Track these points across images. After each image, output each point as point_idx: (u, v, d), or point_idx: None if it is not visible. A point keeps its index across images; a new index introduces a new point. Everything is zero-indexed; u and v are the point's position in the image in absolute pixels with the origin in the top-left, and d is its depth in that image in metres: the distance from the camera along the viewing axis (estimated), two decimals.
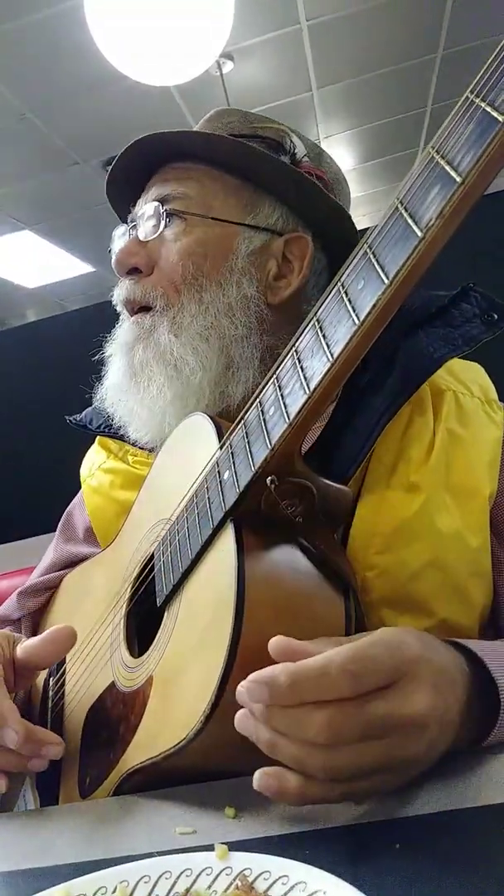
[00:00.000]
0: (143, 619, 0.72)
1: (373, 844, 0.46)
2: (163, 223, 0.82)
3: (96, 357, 0.90)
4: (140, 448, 0.88)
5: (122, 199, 0.91)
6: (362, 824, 0.49)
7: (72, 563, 0.95)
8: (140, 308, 0.84)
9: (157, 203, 0.83)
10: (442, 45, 3.95)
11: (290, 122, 0.90)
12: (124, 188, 0.90)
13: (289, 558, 0.60)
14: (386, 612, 0.70)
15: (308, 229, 0.86)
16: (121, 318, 0.90)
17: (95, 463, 0.96)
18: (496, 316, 0.76)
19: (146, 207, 0.84)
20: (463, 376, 0.80)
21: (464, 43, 3.89)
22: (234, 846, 0.46)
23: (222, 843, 0.46)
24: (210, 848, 0.46)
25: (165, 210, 0.82)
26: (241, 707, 0.49)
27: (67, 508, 1.03)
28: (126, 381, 0.83)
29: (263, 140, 0.85)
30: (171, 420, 0.80)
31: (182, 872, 0.45)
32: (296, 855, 0.43)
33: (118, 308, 0.89)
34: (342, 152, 5.32)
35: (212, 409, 0.79)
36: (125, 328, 0.86)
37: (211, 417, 0.72)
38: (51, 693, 0.81)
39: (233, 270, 0.81)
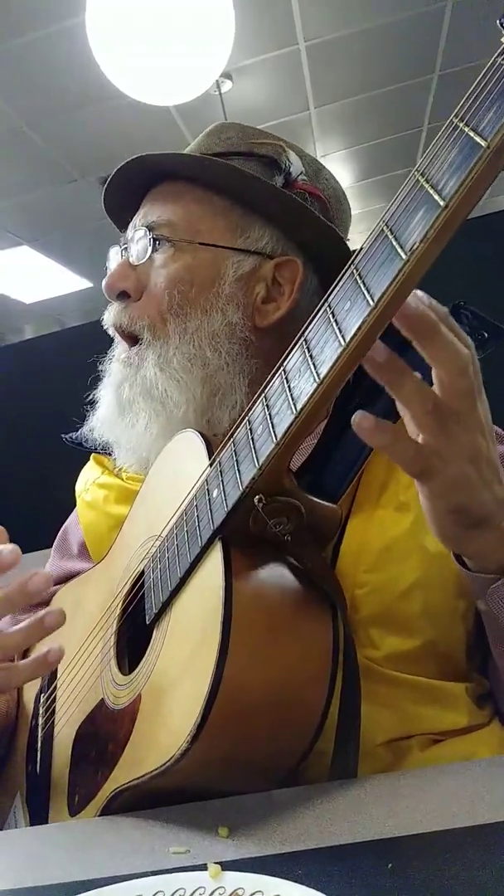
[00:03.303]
0: (134, 635, 0.72)
1: (366, 864, 0.46)
2: (150, 249, 0.82)
3: (93, 375, 0.91)
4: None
5: (123, 213, 0.91)
6: (355, 844, 0.49)
7: (67, 578, 0.95)
8: (127, 335, 0.85)
9: (145, 228, 0.83)
10: (438, 65, 3.99)
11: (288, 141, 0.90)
12: (124, 202, 0.90)
13: (276, 578, 0.60)
14: (374, 631, 0.70)
15: (299, 251, 0.85)
16: (115, 340, 0.90)
17: (90, 479, 0.96)
18: (487, 335, 0.76)
19: (137, 231, 0.84)
20: None
21: (460, 64, 3.94)
22: (228, 865, 0.46)
23: (215, 863, 0.46)
24: (203, 867, 0.46)
25: (154, 236, 0.82)
26: (227, 728, 0.51)
27: (63, 526, 1.03)
28: (115, 416, 0.84)
29: (260, 158, 0.84)
30: (158, 453, 0.81)
31: (175, 892, 0.45)
32: (289, 874, 0.44)
33: (108, 330, 0.89)
34: (339, 170, 5.37)
35: None
36: (115, 367, 0.86)
37: (201, 434, 0.72)
38: (41, 709, 0.81)
39: (219, 296, 0.81)
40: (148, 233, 0.83)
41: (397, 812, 0.51)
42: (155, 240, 0.82)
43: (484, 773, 0.56)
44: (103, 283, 0.85)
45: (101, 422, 0.87)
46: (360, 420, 0.51)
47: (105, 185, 0.88)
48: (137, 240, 0.84)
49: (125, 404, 0.83)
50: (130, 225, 0.87)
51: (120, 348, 0.87)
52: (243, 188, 0.82)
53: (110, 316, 0.86)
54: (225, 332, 0.80)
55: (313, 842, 0.50)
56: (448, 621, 0.70)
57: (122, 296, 0.85)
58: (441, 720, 0.71)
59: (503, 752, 0.71)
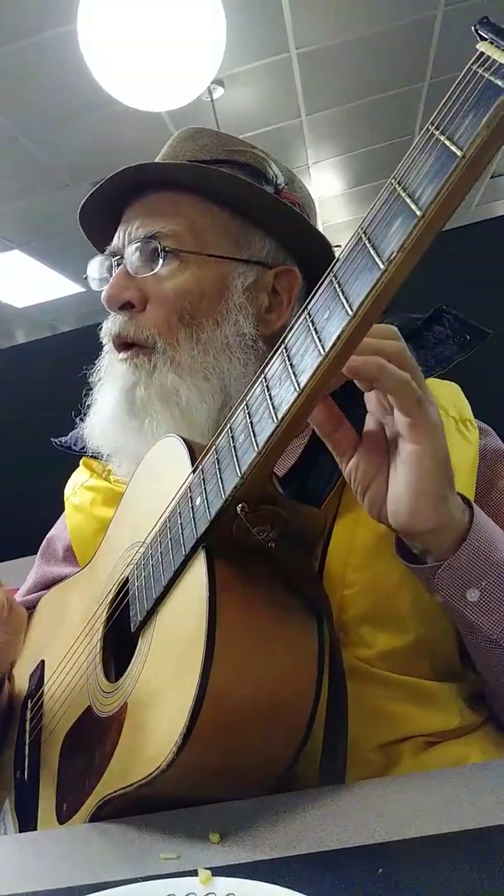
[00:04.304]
0: (119, 642, 0.72)
1: (356, 869, 0.46)
2: (160, 261, 0.80)
3: (81, 380, 0.90)
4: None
5: (94, 221, 0.89)
6: (345, 849, 0.49)
7: (51, 583, 0.95)
8: (132, 346, 0.83)
9: (148, 238, 0.81)
10: (429, 73, 4.02)
11: (280, 148, 0.92)
12: (102, 210, 0.88)
13: (261, 586, 0.60)
14: (365, 629, 0.71)
15: (294, 261, 0.86)
16: (104, 349, 0.88)
17: (78, 482, 0.96)
18: (469, 337, 0.77)
19: (135, 242, 0.82)
20: (439, 396, 0.80)
21: (451, 72, 3.95)
22: (218, 871, 0.47)
23: (206, 868, 0.46)
24: (194, 873, 0.46)
25: (161, 247, 0.80)
26: (213, 738, 0.51)
27: (48, 533, 1.02)
28: (125, 418, 0.82)
29: (243, 166, 0.84)
30: None
31: None
32: (280, 880, 0.44)
33: (104, 341, 0.88)
34: (331, 177, 5.38)
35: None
36: (120, 369, 0.84)
37: (184, 440, 0.72)
38: (28, 715, 0.81)
39: (230, 308, 0.81)
40: (152, 242, 0.81)
41: (388, 817, 0.51)
42: (162, 251, 0.80)
43: (474, 777, 0.56)
44: (103, 294, 0.83)
45: (103, 424, 0.85)
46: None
47: (93, 191, 0.85)
48: (135, 250, 0.82)
49: (140, 407, 0.81)
50: (120, 233, 0.85)
51: (122, 354, 0.84)
52: (246, 198, 0.81)
53: (113, 326, 0.84)
54: (237, 341, 0.80)
55: (304, 847, 0.50)
56: (438, 617, 0.70)
57: (125, 307, 0.83)
58: (433, 721, 0.71)
59: (495, 755, 0.71)
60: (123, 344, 0.84)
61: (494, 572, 0.61)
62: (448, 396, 0.81)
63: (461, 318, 0.79)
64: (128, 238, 0.84)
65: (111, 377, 0.86)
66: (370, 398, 0.62)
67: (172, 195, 0.83)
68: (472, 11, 3.40)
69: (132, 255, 0.82)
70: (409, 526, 0.61)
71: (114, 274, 0.84)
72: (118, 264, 0.84)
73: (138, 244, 0.81)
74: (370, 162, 5.19)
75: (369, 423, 0.64)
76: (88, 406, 0.89)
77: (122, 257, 0.84)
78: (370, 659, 0.70)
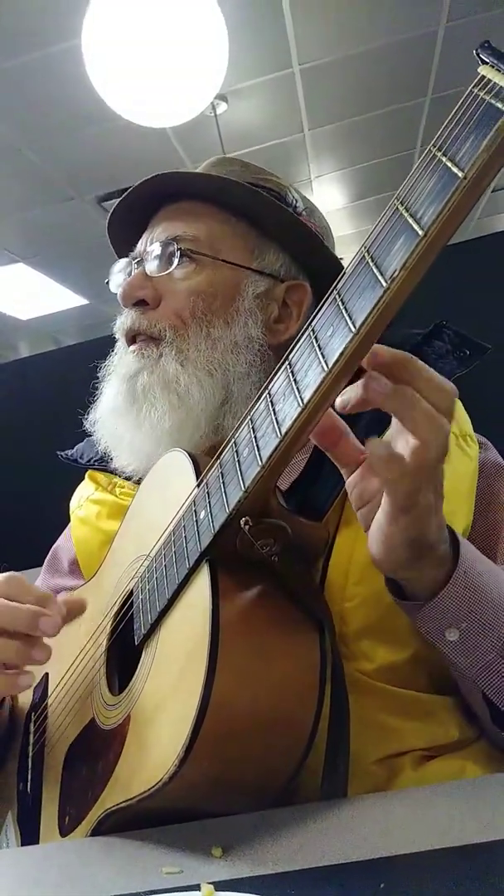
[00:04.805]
0: (123, 655, 0.72)
1: (358, 884, 0.46)
2: (175, 262, 0.84)
3: (86, 393, 0.91)
4: (126, 479, 0.89)
5: (121, 232, 0.93)
6: (347, 864, 0.49)
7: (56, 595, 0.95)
8: (143, 338, 0.86)
9: (168, 242, 0.85)
10: (431, 88, 4.04)
11: (283, 162, 0.95)
12: (125, 221, 0.92)
13: (263, 599, 0.60)
14: (365, 643, 0.71)
15: (306, 277, 0.89)
16: (116, 346, 0.91)
17: (84, 495, 0.96)
18: (468, 352, 0.78)
19: (155, 245, 0.86)
20: None
21: (452, 87, 3.98)
22: (221, 886, 0.47)
23: (209, 883, 0.46)
24: (196, 888, 0.46)
25: (178, 249, 0.84)
26: (216, 750, 0.52)
27: (54, 545, 1.03)
28: (125, 406, 0.84)
29: (268, 191, 0.87)
30: (164, 450, 0.80)
31: None
32: (282, 894, 0.44)
33: (116, 336, 0.90)
34: (333, 191, 5.41)
35: (206, 442, 0.81)
36: (128, 359, 0.86)
37: (188, 453, 0.72)
38: (32, 728, 0.81)
39: (240, 311, 0.84)
40: (171, 245, 0.84)
41: (389, 832, 0.51)
42: (180, 253, 0.84)
43: (475, 792, 0.56)
44: (119, 291, 0.87)
45: (106, 412, 0.87)
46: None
47: (123, 197, 0.89)
48: (157, 252, 0.85)
49: (139, 394, 0.83)
50: (144, 239, 0.89)
51: (132, 346, 0.87)
52: (264, 213, 0.85)
53: (126, 321, 0.87)
54: (245, 343, 0.83)
55: (306, 862, 0.50)
56: None
57: (139, 304, 0.86)
58: (433, 734, 0.71)
59: (492, 767, 0.72)
60: (134, 338, 0.86)
61: (475, 615, 0.61)
62: None
63: (461, 333, 0.80)
64: (150, 242, 0.87)
65: (116, 369, 0.88)
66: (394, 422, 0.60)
67: (196, 205, 0.87)
68: (474, 27, 3.43)
69: (152, 256, 0.85)
70: (383, 568, 0.62)
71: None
72: (138, 267, 0.88)
73: (158, 246, 0.85)
74: (372, 176, 5.22)
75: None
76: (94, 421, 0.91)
77: (142, 260, 0.87)
78: (370, 672, 0.71)
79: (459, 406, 0.84)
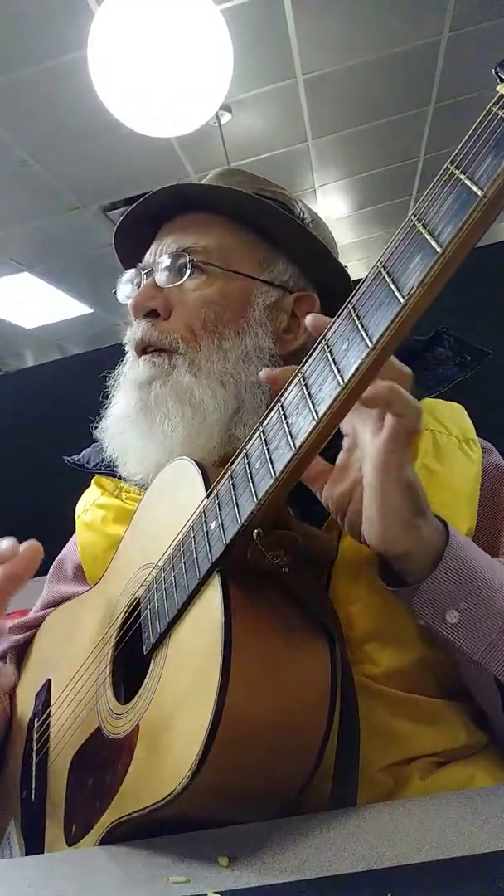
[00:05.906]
0: (130, 664, 0.72)
1: (366, 893, 0.46)
2: (187, 273, 0.84)
3: (92, 402, 0.91)
4: (133, 484, 0.89)
5: (128, 243, 0.93)
6: (355, 873, 0.49)
7: (60, 603, 0.95)
8: (154, 350, 0.86)
9: (179, 253, 0.85)
10: (434, 97, 4.05)
11: (287, 172, 0.95)
12: (132, 232, 0.92)
13: (274, 609, 0.60)
14: (370, 646, 0.71)
15: (314, 289, 0.90)
16: (125, 358, 0.91)
17: (90, 500, 0.96)
18: (469, 357, 0.78)
19: (165, 256, 0.86)
20: (443, 417, 0.82)
21: (455, 96, 4.00)
22: (228, 895, 0.47)
23: (215, 892, 0.46)
24: None
25: (189, 260, 0.84)
26: (229, 761, 0.52)
27: (60, 554, 1.03)
28: (137, 415, 0.84)
29: (276, 203, 0.88)
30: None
31: None
32: None
33: (126, 347, 0.90)
34: (337, 200, 5.43)
35: (218, 452, 0.81)
36: (140, 367, 0.86)
37: (197, 462, 0.72)
38: (35, 735, 0.81)
39: (250, 322, 0.84)
40: (183, 256, 0.84)
41: (397, 841, 0.51)
42: (191, 264, 0.84)
43: (483, 801, 0.56)
44: (130, 302, 0.87)
45: (117, 419, 0.87)
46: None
47: (133, 207, 0.89)
48: (167, 263, 0.85)
49: (152, 403, 0.83)
50: (153, 250, 0.89)
51: (144, 356, 0.86)
52: (274, 224, 0.86)
53: (136, 332, 0.87)
54: (256, 353, 0.83)
55: (313, 871, 0.50)
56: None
57: (150, 314, 0.86)
58: (440, 739, 0.71)
59: (502, 776, 0.71)
60: (145, 349, 0.86)
61: (472, 594, 0.61)
62: (451, 416, 0.83)
63: (462, 339, 0.81)
64: (159, 253, 0.87)
65: (128, 376, 0.88)
66: (345, 420, 0.62)
67: (205, 216, 0.88)
68: (477, 36, 3.45)
69: (162, 267, 0.86)
70: (382, 548, 0.62)
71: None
72: (147, 278, 0.88)
73: (169, 257, 0.85)
74: (375, 185, 5.24)
75: (343, 445, 0.65)
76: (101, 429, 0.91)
77: (152, 271, 0.87)
78: (377, 677, 0.71)
79: (463, 412, 0.85)
